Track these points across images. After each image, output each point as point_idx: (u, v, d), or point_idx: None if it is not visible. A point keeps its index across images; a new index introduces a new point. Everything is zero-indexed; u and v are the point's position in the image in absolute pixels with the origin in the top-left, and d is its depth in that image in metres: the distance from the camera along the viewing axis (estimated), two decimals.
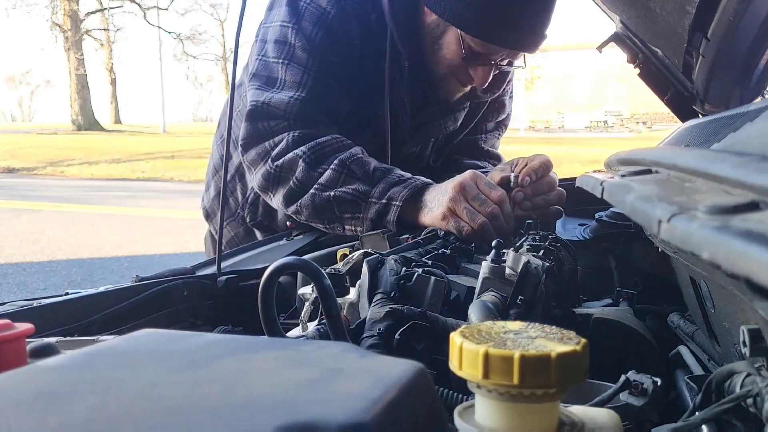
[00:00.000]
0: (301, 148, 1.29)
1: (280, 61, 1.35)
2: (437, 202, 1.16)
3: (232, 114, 1.06)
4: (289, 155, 1.29)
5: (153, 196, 10.03)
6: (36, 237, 6.59)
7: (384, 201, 1.21)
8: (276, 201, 1.35)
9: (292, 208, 1.31)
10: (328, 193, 1.25)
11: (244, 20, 1.05)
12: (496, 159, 1.73)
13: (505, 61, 1.37)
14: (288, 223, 1.48)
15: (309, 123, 1.33)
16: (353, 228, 1.27)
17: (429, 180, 1.24)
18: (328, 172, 1.26)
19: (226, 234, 1.69)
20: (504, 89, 1.60)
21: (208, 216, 1.79)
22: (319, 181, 1.26)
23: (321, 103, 1.35)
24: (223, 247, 1.65)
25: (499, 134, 1.76)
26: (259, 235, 1.63)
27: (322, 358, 0.35)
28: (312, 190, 1.27)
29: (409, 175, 1.25)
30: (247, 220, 1.62)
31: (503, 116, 1.73)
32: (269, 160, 1.31)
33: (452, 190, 1.14)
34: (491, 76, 1.37)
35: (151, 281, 0.98)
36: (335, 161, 1.26)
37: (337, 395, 0.29)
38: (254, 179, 1.36)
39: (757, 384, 0.46)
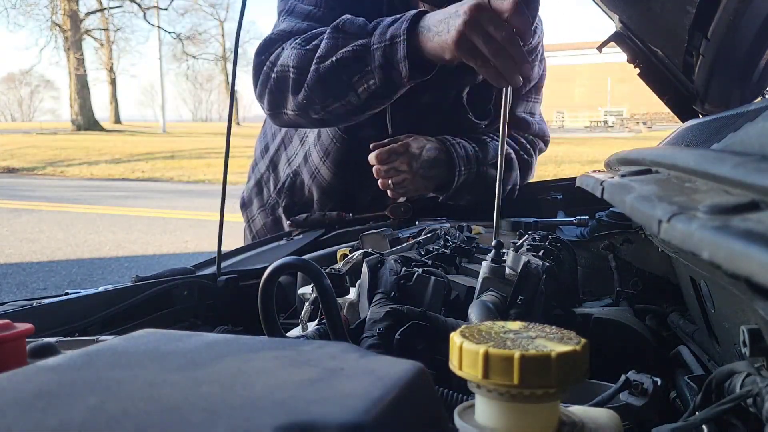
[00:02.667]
0: (289, 42, 1.27)
1: None
2: (446, 26, 1.07)
3: (231, 113, 1.06)
4: (282, 53, 1.26)
5: (153, 196, 10.03)
6: (35, 237, 6.59)
7: (387, 42, 1.13)
8: (289, 106, 1.28)
9: (301, 95, 1.23)
10: (329, 61, 1.19)
11: (244, 20, 1.05)
12: (525, 124, 1.60)
13: None
14: (288, 222, 1.48)
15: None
16: (366, 86, 1.18)
17: (421, 8, 1.18)
18: (323, 43, 1.21)
19: (258, 222, 1.73)
20: (533, 55, 1.50)
21: (243, 205, 1.83)
22: (317, 55, 1.21)
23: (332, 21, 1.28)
24: (253, 236, 1.74)
25: (534, 99, 1.62)
26: (286, 225, 1.64)
27: (322, 358, 0.35)
28: (313, 67, 1.21)
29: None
30: (282, 204, 1.63)
31: (533, 82, 1.59)
32: (269, 72, 1.28)
33: (465, 13, 1.04)
34: None
35: (151, 281, 0.98)
36: (326, 32, 1.21)
37: (337, 395, 0.29)
38: (265, 104, 1.32)
39: (757, 384, 0.46)
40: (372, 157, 1.34)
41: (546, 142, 1.68)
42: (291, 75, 1.24)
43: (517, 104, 1.59)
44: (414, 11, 1.15)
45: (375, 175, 1.34)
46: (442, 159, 1.38)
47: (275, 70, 1.27)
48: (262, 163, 1.73)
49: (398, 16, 1.15)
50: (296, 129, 1.59)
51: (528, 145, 1.59)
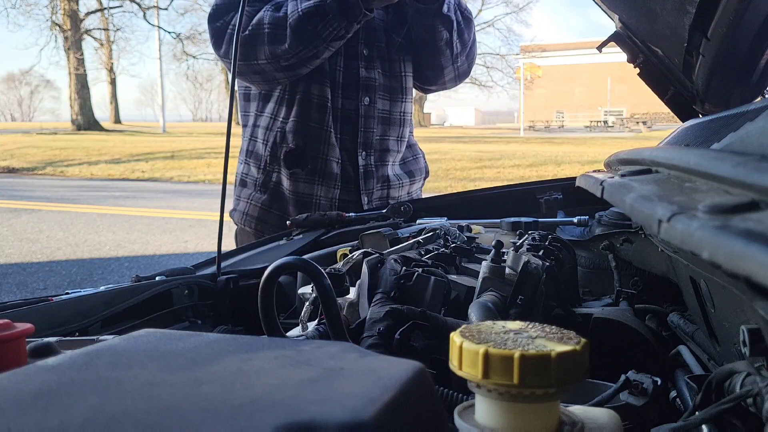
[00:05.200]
0: (264, 9, 1.51)
1: None
2: None
3: (231, 113, 1.06)
4: (257, 17, 1.51)
5: (153, 196, 10.03)
6: (36, 237, 6.59)
7: None
8: (261, 57, 1.52)
9: (275, 48, 1.50)
10: (296, 15, 1.46)
11: (244, 20, 1.05)
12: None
13: None
14: (288, 222, 1.48)
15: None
16: (332, 31, 1.46)
17: None
18: (290, 5, 1.48)
19: (253, 209, 1.76)
20: None
21: (233, 211, 1.83)
22: (288, 12, 1.48)
23: None
24: (252, 223, 1.75)
25: None
26: (287, 184, 1.69)
27: (322, 358, 0.35)
28: (288, 22, 1.47)
29: None
30: (282, 155, 1.68)
31: None
32: (232, 31, 1.53)
33: None
34: None
35: (151, 281, 0.98)
36: None
37: (337, 395, 0.29)
38: (230, 58, 1.50)
39: (757, 384, 0.46)
40: None
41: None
42: (266, 30, 1.49)
43: None
44: None
45: None
46: None
47: (248, 29, 1.50)
48: (239, 168, 1.82)
49: None
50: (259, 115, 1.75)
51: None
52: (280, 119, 1.68)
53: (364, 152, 1.69)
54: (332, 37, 1.46)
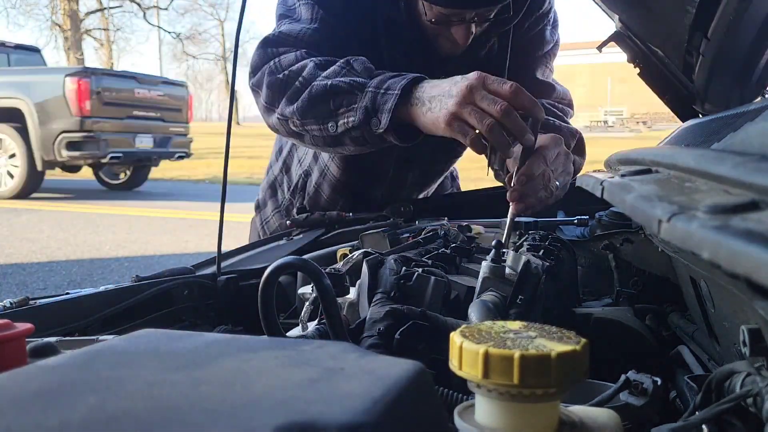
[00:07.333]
0: (312, 58, 1.27)
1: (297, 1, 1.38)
2: (439, 104, 1.06)
3: (231, 113, 1.06)
4: (300, 63, 1.26)
5: (153, 196, 10.02)
6: (36, 237, 6.59)
7: (381, 90, 1.13)
8: (279, 108, 1.28)
9: (290, 108, 1.25)
10: (325, 82, 1.20)
11: (244, 20, 1.05)
12: (548, 88, 1.59)
13: (483, 17, 1.31)
14: (288, 222, 1.48)
15: (319, 52, 1.30)
16: (345, 120, 1.19)
17: (422, 75, 1.15)
18: (331, 68, 1.23)
19: (273, 224, 1.75)
20: (545, 20, 1.53)
21: (258, 207, 1.84)
22: (322, 74, 1.23)
23: (332, 37, 1.33)
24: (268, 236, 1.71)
25: (546, 62, 1.64)
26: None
27: (322, 358, 0.35)
28: (314, 83, 1.22)
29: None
30: (296, 205, 1.64)
31: (548, 47, 1.61)
32: (276, 71, 1.29)
33: (458, 94, 1.02)
34: (473, 34, 1.32)
35: (151, 281, 0.98)
36: (341, 61, 1.23)
37: (337, 395, 0.29)
38: (261, 97, 1.32)
39: (757, 384, 0.46)
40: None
41: (571, 105, 1.65)
42: (297, 84, 1.25)
43: (536, 68, 1.59)
44: (418, 75, 1.14)
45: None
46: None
47: (284, 72, 1.28)
48: (276, 165, 1.76)
49: (402, 73, 1.16)
50: None
51: (562, 114, 1.57)
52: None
53: None
54: (344, 128, 1.19)
